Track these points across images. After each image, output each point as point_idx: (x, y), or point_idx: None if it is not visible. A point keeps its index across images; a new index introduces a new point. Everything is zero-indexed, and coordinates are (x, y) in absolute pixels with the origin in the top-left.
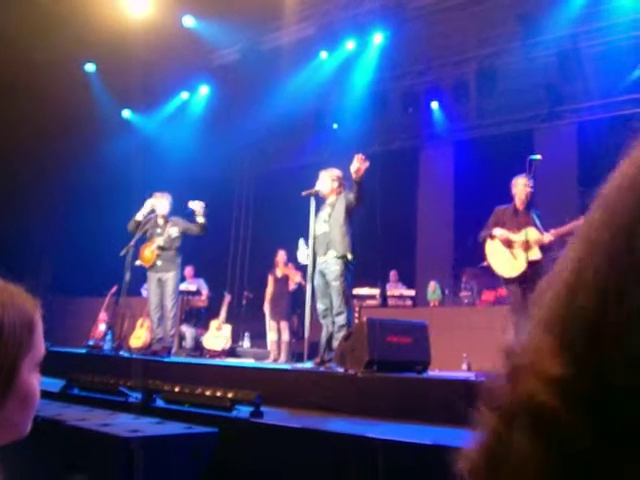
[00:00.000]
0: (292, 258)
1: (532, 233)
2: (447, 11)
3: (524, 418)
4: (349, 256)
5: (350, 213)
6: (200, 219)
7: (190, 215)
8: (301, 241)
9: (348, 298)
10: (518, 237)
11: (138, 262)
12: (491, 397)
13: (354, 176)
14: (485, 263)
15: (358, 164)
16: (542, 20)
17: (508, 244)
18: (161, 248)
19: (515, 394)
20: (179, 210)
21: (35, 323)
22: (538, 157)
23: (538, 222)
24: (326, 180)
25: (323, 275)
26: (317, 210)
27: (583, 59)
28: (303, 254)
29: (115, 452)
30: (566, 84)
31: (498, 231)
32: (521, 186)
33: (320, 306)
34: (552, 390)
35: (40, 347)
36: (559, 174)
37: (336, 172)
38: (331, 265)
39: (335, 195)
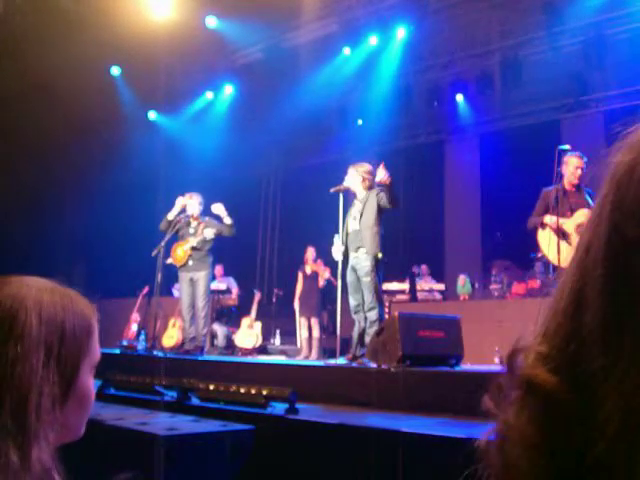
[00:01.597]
0: (321, 254)
1: (585, 215)
2: (470, 2)
3: (519, 391)
4: (379, 255)
5: (382, 212)
6: (227, 220)
7: (218, 219)
8: (336, 237)
9: (380, 294)
10: (571, 222)
11: (169, 261)
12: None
13: (382, 182)
14: (539, 254)
15: (383, 172)
16: (566, 9)
17: (562, 234)
18: (194, 248)
19: (512, 374)
20: (206, 212)
21: (93, 327)
22: (567, 147)
23: (592, 202)
24: (354, 175)
25: (355, 271)
26: (345, 207)
27: (608, 47)
28: (337, 250)
29: (153, 450)
30: (592, 73)
31: (549, 218)
32: (572, 167)
33: (352, 302)
34: (536, 362)
35: (97, 351)
36: (587, 163)
37: (365, 166)
38: (362, 261)
39: (366, 191)
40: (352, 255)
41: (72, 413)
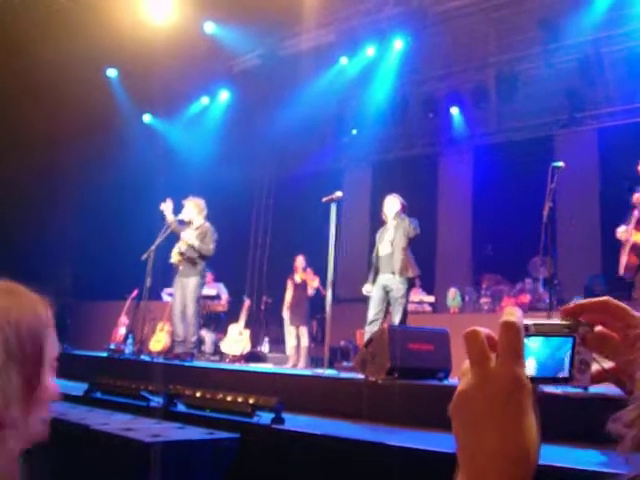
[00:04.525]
0: (311, 263)
1: None
2: (467, 17)
3: None
4: (411, 274)
5: (410, 239)
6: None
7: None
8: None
9: (407, 313)
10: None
11: (171, 260)
12: None
13: None
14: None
15: None
16: (563, 25)
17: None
18: (181, 254)
19: None
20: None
21: (48, 324)
22: (561, 164)
23: None
24: (395, 203)
25: (385, 290)
26: (338, 216)
27: (604, 64)
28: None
29: (137, 457)
30: (587, 90)
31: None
32: None
33: (372, 314)
34: None
35: (55, 348)
36: (580, 180)
37: (400, 198)
38: (398, 284)
39: (399, 219)
40: (385, 276)
41: (35, 415)
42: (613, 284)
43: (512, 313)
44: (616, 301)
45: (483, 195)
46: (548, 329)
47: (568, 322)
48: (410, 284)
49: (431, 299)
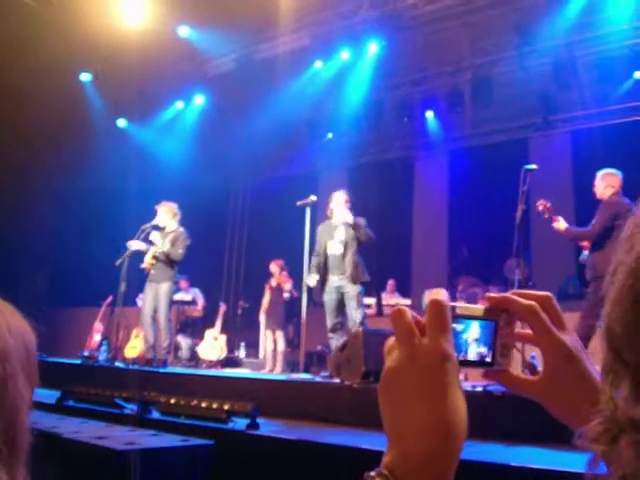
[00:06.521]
0: (287, 267)
1: None
2: (442, 20)
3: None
4: (364, 279)
5: (361, 242)
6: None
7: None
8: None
9: (364, 311)
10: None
11: (143, 265)
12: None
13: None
14: None
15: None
16: (537, 29)
17: None
18: (155, 258)
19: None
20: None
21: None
22: (533, 166)
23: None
24: (340, 203)
25: (339, 292)
26: (312, 220)
27: (578, 68)
28: (312, 278)
29: (111, 465)
30: (561, 93)
31: None
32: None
33: (330, 321)
34: None
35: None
36: (554, 183)
37: (346, 195)
38: (350, 285)
39: (354, 223)
40: (336, 277)
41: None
42: (587, 285)
43: (438, 293)
44: (541, 314)
45: (458, 198)
46: (472, 312)
47: (491, 307)
48: (364, 286)
49: (407, 302)
